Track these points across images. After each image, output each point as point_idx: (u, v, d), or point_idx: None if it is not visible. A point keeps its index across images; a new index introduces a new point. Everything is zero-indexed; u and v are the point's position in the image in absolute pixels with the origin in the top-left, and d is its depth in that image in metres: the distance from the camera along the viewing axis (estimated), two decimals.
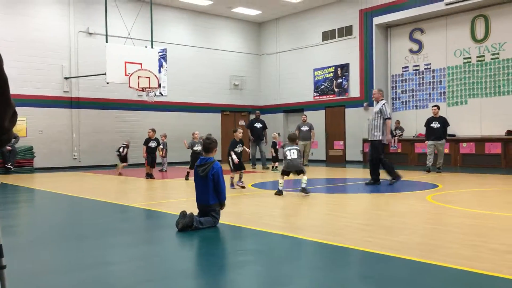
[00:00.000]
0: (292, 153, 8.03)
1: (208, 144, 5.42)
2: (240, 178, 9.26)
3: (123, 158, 13.89)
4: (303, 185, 7.92)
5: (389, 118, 9.39)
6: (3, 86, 1.39)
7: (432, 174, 11.87)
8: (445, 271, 3.40)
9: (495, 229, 4.88)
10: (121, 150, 13.96)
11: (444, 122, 12.54)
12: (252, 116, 17.93)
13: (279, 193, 7.89)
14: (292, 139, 8.50)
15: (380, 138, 9.35)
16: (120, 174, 13.30)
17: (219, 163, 5.33)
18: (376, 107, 9.45)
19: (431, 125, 12.61)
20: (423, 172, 12.28)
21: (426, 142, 12.87)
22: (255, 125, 15.94)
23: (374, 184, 9.47)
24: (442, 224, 5.28)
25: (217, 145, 5.53)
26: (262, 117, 20.88)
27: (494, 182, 9.99)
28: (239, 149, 9.18)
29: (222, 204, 5.27)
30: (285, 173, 8.15)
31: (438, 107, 12.80)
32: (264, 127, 16.02)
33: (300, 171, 8.07)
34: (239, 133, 9.27)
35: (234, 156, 8.96)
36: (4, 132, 1.59)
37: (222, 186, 5.22)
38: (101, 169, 15.59)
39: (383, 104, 9.38)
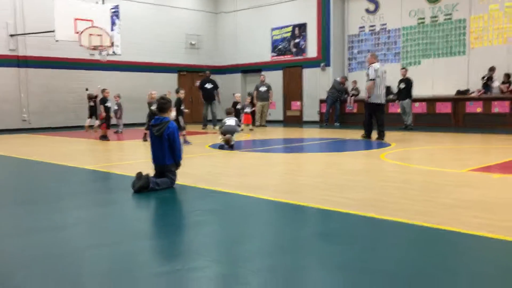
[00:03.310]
0: (229, 121, 9.35)
1: (163, 104, 5.30)
2: (184, 138, 9.78)
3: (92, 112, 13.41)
4: (232, 142, 8.97)
5: (372, 79, 10.12)
6: None
7: (397, 132, 12.18)
8: (399, 226, 3.50)
9: (444, 185, 5.07)
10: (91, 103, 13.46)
11: (408, 83, 13.62)
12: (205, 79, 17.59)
13: (221, 147, 8.94)
14: (229, 113, 10.04)
15: (367, 99, 10.34)
16: (86, 131, 13.07)
17: (174, 123, 5.22)
18: (367, 71, 10.39)
19: (399, 86, 13.79)
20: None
21: (396, 102, 14.04)
22: (206, 85, 15.69)
23: (378, 139, 10.22)
24: (395, 181, 5.42)
25: (171, 105, 5.42)
26: (220, 77, 20.67)
27: (444, 140, 10.35)
28: (183, 107, 10.13)
29: (178, 164, 5.21)
30: (223, 134, 9.23)
31: (406, 70, 13.90)
32: (215, 87, 15.76)
33: (232, 134, 9.16)
34: (181, 94, 10.08)
35: (173, 114, 9.53)
36: None
37: (177, 146, 5.14)
38: (53, 131, 15.04)
39: (369, 67, 10.27)
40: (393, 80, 15.28)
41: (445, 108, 14.46)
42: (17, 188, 5.72)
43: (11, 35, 15.29)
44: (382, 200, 4.34)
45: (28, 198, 4.92)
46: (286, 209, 4.19)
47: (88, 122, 13.53)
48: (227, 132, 9.14)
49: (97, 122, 13.14)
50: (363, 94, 16.61)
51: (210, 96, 15.61)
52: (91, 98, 13.55)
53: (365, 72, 10.86)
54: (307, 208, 4.15)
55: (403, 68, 13.98)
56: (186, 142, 9.81)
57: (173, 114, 9.80)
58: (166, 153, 5.09)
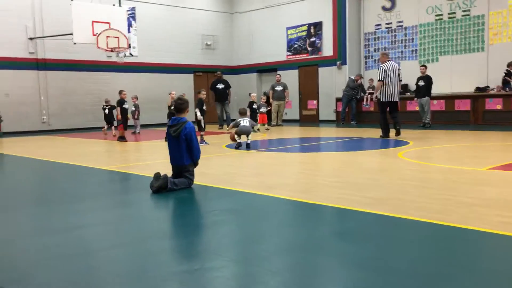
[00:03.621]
0: (245, 122, 9.24)
1: (180, 104, 5.34)
2: (201, 138, 10.06)
3: (108, 119, 13.57)
4: (248, 141, 9.06)
5: (380, 80, 10.30)
6: None
7: (417, 130, 12.15)
8: (417, 225, 3.48)
9: (462, 183, 5.01)
10: (106, 111, 13.64)
11: (428, 81, 13.51)
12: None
13: (238, 146, 8.98)
14: (243, 113, 10.09)
15: (379, 98, 10.46)
16: (105, 134, 13.26)
17: (191, 123, 5.26)
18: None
19: (418, 83, 13.68)
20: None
21: (415, 99, 13.95)
22: (217, 86, 15.72)
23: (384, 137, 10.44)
24: (412, 179, 5.38)
25: (189, 105, 5.46)
26: (236, 77, 20.73)
27: (463, 138, 10.22)
28: (205, 107, 10.32)
29: (196, 164, 5.25)
30: (239, 135, 9.24)
31: (425, 67, 13.79)
32: (227, 87, 15.78)
33: (248, 134, 9.25)
34: (202, 94, 10.32)
35: (199, 114, 10.14)
36: None
37: (195, 145, 5.17)
38: (72, 133, 15.27)
39: (379, 67, 10.44)
40: (410, 78, 15.17)
41: (464, 106, 14.27)
42: (37, 189, 5.83)
43: (30, 38, 15.57)
44: (399, 199, 4.32)
45: (47, 199, 5.01)
46: (303, 208, 4.20)
47: (105, 127, 13.70)
48: (243, 133, 9.16)
49: (113, 128, 13.36)
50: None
51: (222, 97, 15.63)
52: (107, 105, 13.67)
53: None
54: (324, 207, 4.15)
55: (423, 66, 13.85)
56: (202, 141, 9.94)
57: (198, 114, 10.09)
58: (184, 154, 5.13)
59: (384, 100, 10.36)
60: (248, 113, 13.46)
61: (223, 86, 15.76)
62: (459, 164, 6.36)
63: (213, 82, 16.23)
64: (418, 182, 5.18)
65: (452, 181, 5.15)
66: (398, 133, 10.43)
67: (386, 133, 10.50)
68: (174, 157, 5.22)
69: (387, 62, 10.43)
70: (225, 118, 15.60)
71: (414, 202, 4.18)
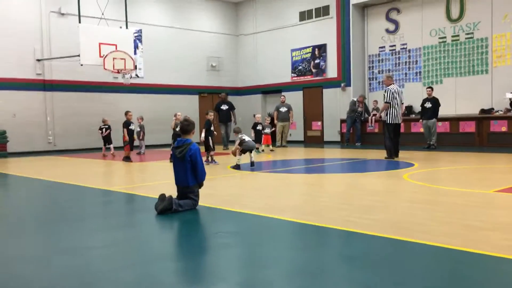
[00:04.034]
0: (247, 138, 9.50)
1: (186, 126, 5.38)
2: (211, 158, 10.24)
3: (105, 139, 13.71)
4: (252, 159, 9.35)
5: (387, 102, 10.47)
6: None
7: (420, 152, 12.14)
8: (424, 249, 3.44)
9: (469, 206, 4.97)
10: (102, 130, 13.81)
11: (435, 103, 13.47)
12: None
13: (237, 167, 9.07)
14: (238, 132, 9.99)
15: (385, 119, 10.58)
16: (104, 156, 13.27)
17: (196, 145, 5.27)
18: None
19: (425, 105, 13.62)
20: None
21: (420, 121, 13.89)
22: (221, 107, 15.96)
23: (391, 159, 10.55)
24: (419, 202, 5.34)
25: (194, 127, 5.49)
26: (240, 98, 20.85)
27: (468, 160, 10.18)
28: (213, 128, 10.51)
29: (201, 185, 5.25)
30: (244, 152, 9.40)
31: (432, 89, 13.76)
32: (231, 108, 16.02)
33: (251, 150, 9.49)
34: (210, 116, 10.63)
35: (203, 135, 10.34)
36: None
37: (200, 167, 5.17)
38: (77, 153, 15.31)
39: (385, 90, 10.62)
40: (414, 100, 15.21)
41: (468, 127, 14.25)
42: (42, 210, 5.82)
43: (38, 60, 15.77)
44: (406, 222, 4.28)
45: (52, 220, 5.00)
46: (309, 231, 4.17)
47: (104, 149, 13.80)
48: (249, 148, 9.33)
49: (111, 148, 13.44)
50: (383, 115, 16.52)
51: (226, 118, 15.90)
52: (104, 125, 13.84)
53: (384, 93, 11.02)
54: (330, 229, 4.12)
55: (429, 87, 13.80)
56: (213, 161, 10.20)
57: (202, 135, 10.24)
58: (189, 175, 5.13)
59: (391, 122, 10.52)
60: (252, 134, 13.53)
61: (227, 107, 15.93)
62: (465, 187, 6.32)
63: (217, 103, 16.43)
64: (425, 205, 5.14)
65: (459, 204, 5.10)
66: (397, 155, 10.62)
67: (391, 155, 10.55)
68: (179, 178, 5.22)
69: (392, 85, 10.64)
70: (233, 138, 15.69)
71: (421, 225, 4.14)
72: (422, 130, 13.99)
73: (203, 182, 5.29)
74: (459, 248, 3.39)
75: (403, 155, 11.07)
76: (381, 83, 17.23)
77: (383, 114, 10.65)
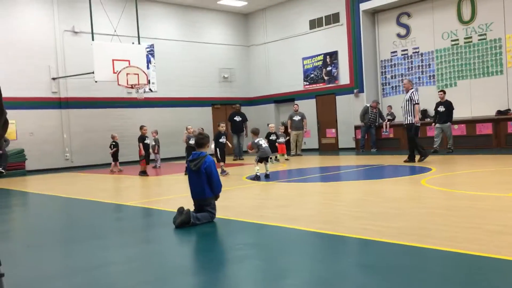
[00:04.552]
0: (263, 143, 9.35)
1: (201, 139, 5.46)
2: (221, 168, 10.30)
3: (113, 156, 13.85)
4: (267, 172, 9.26)
5: (417, 104, 10.77)
6: None
7: (439, 156, 12.11)
8: (445, 255, 3.40)
9: (490, 210, 4.91)
10: (111, 147, 13.99)
11: (449, 106, 13.36)
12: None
13: (257, 178, 8.90)
14: (257, 133, 9.87)
15: (413, 122, 10.78)
16: (112, 172, 13.33)
17: (211, 157, 5.33)
18: (407, 96, 10.92)
19: (438, 109, 13.51)
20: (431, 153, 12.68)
21: (433, 125, 13.81)
22: (235, 118, 16.26)
23: (409, 162, 10.76)
24: (437, 207, 5.29)
25: (209, 140, 5.57)
26: (253, 108, 20.93)
27: (486, 163, 10.05)
28: (223, 140, 10.75)
29: (217, 197, 5.31)
30: (260, 160, 9.24)
31: (444, 92, 13.62)
32: (244, 119, 16.28)
33: (267, 158, 9.44)
34: (222, 127, 10.86)
35: (212, 146, 10.47)
36: None
37: (216, 179, 5.23)
38: (94, 169, 15.49)
39: (412, 92, 10.84)
40: (428, 103, 15.10)
41: (485, 129, 14.08)
42: (60, 227, 5.90)
43: (53, 78, 16.04)
44: (425, 228, 4.24)
45: (71, 237, 5.06)
46: (327, 240, 4.15)
47: (112, 165, 13.89)
48: (265, 155, 9.28)
49: (117, 164, 13.58)
50: (399, 119, 16.42)
51: (238, 129, 16.17)
52: (113, 141, 13.98)
53: (405, 97, 11.11)
54: (348, 238, 4.10)
55: (441, 91, 13.61)
56: (223, 172, 10.23)
57: (212, 147, 10.41)
58: (205, 187, 5.18)
59: (419, 124, 10.89)
60: (266, 144, 13.50)
61: (240, 118, 16.21)
62: (484, 190, 6.24)
63: (231, 114, 16.81)
64: (444, 210, 5.09)
65: (478, 209, 5.04)
66: (413, 160, 10.85)
67: (425, 153, 10.83)
68: (195, 191, 5.26)
69: (412, 88, 10.98)
70: (245, 149, 15.78)
71: (440, 231, 4.10)
72: (434, 133, 13.71)
73: (219, 194, 5.33)
74: (480, 254, 3.35)
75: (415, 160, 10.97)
76: (394, 88, 17.15)
77: (417, 117, 10.76)
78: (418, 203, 5.70)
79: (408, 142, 11.15)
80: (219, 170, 10.16)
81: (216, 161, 10.17)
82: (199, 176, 5.19)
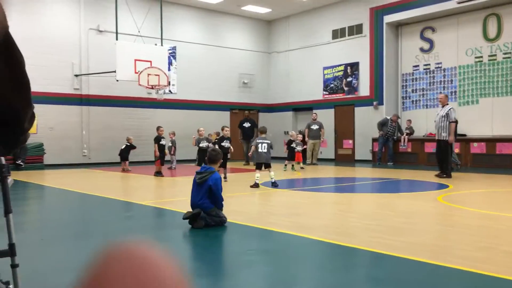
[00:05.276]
0: (263, 147, 8.74)
1: (214, 156, 5.49)
2: (224, 175, 10.02)
3: (120, 156, 14.15)
4: (273, 180, 8.71)
5: (454, 122, 10.56)
6: (26, 88, 1.40)
7: (457, 173, 11.84)
8: (458, 274, 3.35)
9: (506, 231, 4.82)
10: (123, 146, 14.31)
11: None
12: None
13: (255, 186, 8.57)
14: (264, 131, 9.27)
15: (447, 139, 10.51)
16: (123, 170, 13.56)
17: (218, 174, 5.32)
18: (443, 111, 10.63)
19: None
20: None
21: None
22: (244, 124, 16.89)
23: (446, 177, 10.52)
24: (453, 225, 5.22)
25: (222, 156, 5.58)
26: (271, 115, 20.96)
27: (505, 183, 9.87)
28: (225, 144, 10.42)
29: (221, 210, 5.25)
30: (258, 166, 8.85)
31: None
32: (253, 126, 16.82)
33: (268, 165, 8.82)
34: (226, 131, 10.70)
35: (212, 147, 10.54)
36: (23, 132, 1.62)
37: (219, 196, 5.20)
38: (110, 166, 15.65)
39: (450, 109, 10.56)
40: None
41: (506, 149, 13.85)
42: (74, 222, 5.97)
43: (76, 75, 16.29)
44: (438, 245, 4.18)
45: (84, 232, 5.12)
46: (337, 251, 4.13)
47: (122, 165, 14.09)
48: (260, 160, 8.75)
49: (126, 163, 13.81)
50: (418, 133, 16.27)
51: (248, 135, 16.67)
52: (128, 142, 14.28)
53: (440, 112, 10.79)
54: (359, 250, 4.07)
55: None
56: (224, 178, 10.01)
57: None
58: (205, 200, 5.13)
59: (453, 143, 10.70)
60: (286, 151, 13.55)
61: (249, 125, 16.88)
62: (501, 210, 6.13)
63: (241, 121, 17.40)
64: (459, 228, 5.01)
65: (494, 228, 4.96)
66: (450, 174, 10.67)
67: (449, 173, 10.60)
68: (195, 201, 5.21)
69: (448, 104, 10.76)
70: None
71: (454, 249, 4.04)
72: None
73: (223, 206, 5.28)
74: (494, 274, 3.29)
75: (432, 176, 10.83)
76: (414, 102, 17.00)
77: (445, 133, 10.48)
78: (433, 219, 5.63)
79: (442, 155, 10.74)
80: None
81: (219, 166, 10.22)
82: (200, 189, 5.18)
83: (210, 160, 5.49)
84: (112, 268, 0.46)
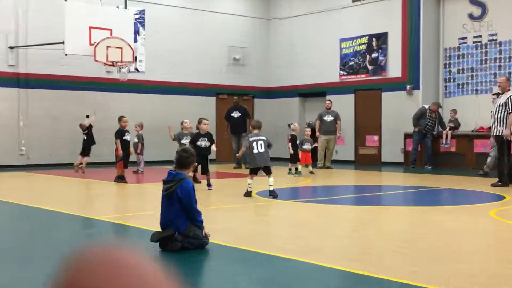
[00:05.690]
0: (259, 145, 8.70)
1: (185, 158, 5.39)
2: (208, 182, 10.03)
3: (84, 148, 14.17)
4: (271, 188, 8.66)
5: None
6: None
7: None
8: None
9: None
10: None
11: None
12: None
13: (248, 195, 8.65)
14: (258, 127, 9.19)
15: (502, 134, 10.60)
16: (76, 171, 13.60)
17: (190, 181, 5.31)
18: (502, 98, 10.72)
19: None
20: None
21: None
22: (232, 114, 16.27)
23: (501, 185, 10.52)
24: (509, 248, 5.26)
25: (195, 160, 5.55)
26: (271, 102, 20.94)
27: None
28: (202, 143, 10.18)
29: (200, 227, 5.19)
30: (254, 171, 8.85)
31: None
32: (245, 116, 16.26)
33: (268, 169, 8.78)
34: (204, 125, 10.42)
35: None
36: None
37: (193, 210, 5.17)
38: (56, 169, 15.61)
39: (510, 96, 10.53)
40: None
41: None
42: (13, 244, 5.96)
43: (11, 48, 16.23)
44: (493, 274, 4.22)
45: (26, 257, 5.12)
46: (356, 283, 4.15)
47: (79, 159, 14.09)
48: (258, 164, 8.83)
49: (85, 159, 13.75)
50: (465, 128, 16.33)
51: (238, 128, 16.11)
52: (83, 129, 14.22)
53: (498, 100, 10.91)
54: (386, 282, 4.09)
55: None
56: (208, 185, 10.10)
57: (213, 147, 10.32)
58: (178, 218, 5.12)
59: (510, 139, 10.58)
60: (291, 151, 13.35)
61: (239, 114, 16.22)
62: None
63: (228, 110, 16.77)
64: None
65: None
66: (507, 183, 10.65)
67: (506, 181, 10.59)
68: (165, 221, 5.19)
69: (510, 90, 10.65)
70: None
71: (510, 278, 4.07)
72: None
73: (202, 222, 5.23)
74: None
75: (484, 184, 10.90)
76: (461, 86, 17.07)
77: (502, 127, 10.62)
78: (485, 240, 5.67)
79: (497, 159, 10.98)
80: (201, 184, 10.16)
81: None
82: (170, 204, 5.16)
83: (180, 164, 5.42)
84: (87, 275, 0.52)
